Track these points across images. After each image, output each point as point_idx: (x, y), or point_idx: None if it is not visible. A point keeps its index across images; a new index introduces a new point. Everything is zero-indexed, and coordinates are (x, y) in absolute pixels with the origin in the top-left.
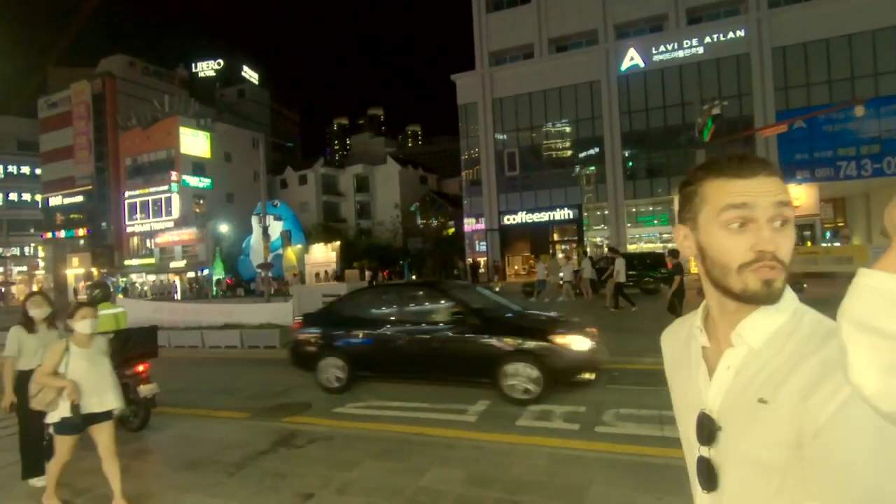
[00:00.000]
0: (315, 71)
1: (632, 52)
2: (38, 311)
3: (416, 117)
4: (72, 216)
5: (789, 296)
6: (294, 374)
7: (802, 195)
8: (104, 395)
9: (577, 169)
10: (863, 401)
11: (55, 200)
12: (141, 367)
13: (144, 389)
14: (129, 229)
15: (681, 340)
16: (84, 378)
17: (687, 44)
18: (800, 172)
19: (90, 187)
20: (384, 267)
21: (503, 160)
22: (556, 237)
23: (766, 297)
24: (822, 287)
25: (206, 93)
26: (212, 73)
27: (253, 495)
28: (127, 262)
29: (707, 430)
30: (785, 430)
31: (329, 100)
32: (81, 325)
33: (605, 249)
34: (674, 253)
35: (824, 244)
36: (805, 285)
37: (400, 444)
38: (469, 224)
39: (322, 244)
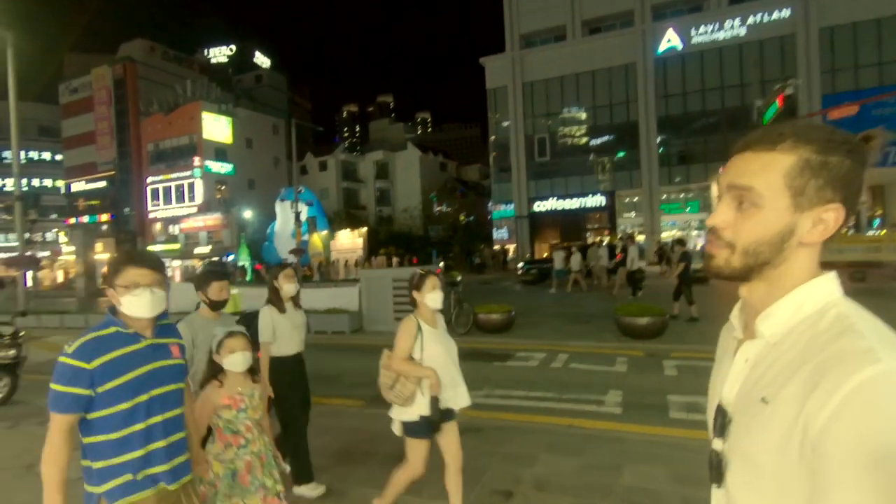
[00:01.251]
0: (325, 58)
1: (670, 33)
2: (291, 287)
3: (426, 105)
4: (91, 202)
5: (823, 287)
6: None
7: None
8: (458, 388)
9: (608, 156)
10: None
11: (77, 186)
12: (259, 354)
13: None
14: (151, 215)
15: (732, 331)
16: (441, 366)
17: (729, 24)
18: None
19: (112, 173)
20: (411, 254)
21: (533, 145)
22: (588, 225)
23: (706, 269)
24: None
25: (220, 78)
26: (224, 60)
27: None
28: (150, 248)
29: (720, 422)
30: (780, 434)
31: (338, 87)
32: (431, 297)
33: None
34: (681, 241)
35: (871, 232)
36: (865, 274)
37: (560, 436)
38: (499, 210)
39: (348, 230)
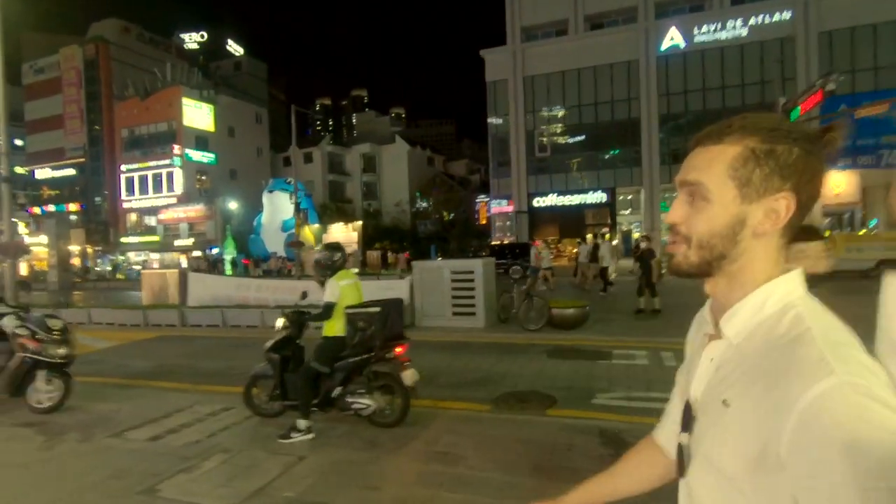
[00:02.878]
0: (300, 49)
1: (673, 31)
2: None
3: (400, 100)
4: (52, 192)
5: (784, 287)
6: (473, 358)
7: (843, 182)
8: None
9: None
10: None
11: (42, 173)
12: (399, 349)
13: (408, 376)
14: (125, 205)
15: (702, 326)
16: None
17: (731, 24)
18: (841, 160)
19: (82, 159)
20: (405, 249)
21: (533, 140)
22: (588, 220)
23: (669, 268)
24: None
25: (196, 65)
26: (195, 46)
27: None
28: (124, 240)
29: (687, 417)
30: (739, 438)
31: (312, 79)
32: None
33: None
34: (646, 237)
35: (866, 231)
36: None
37: None
38: (497, 206)
39: (342, 224)
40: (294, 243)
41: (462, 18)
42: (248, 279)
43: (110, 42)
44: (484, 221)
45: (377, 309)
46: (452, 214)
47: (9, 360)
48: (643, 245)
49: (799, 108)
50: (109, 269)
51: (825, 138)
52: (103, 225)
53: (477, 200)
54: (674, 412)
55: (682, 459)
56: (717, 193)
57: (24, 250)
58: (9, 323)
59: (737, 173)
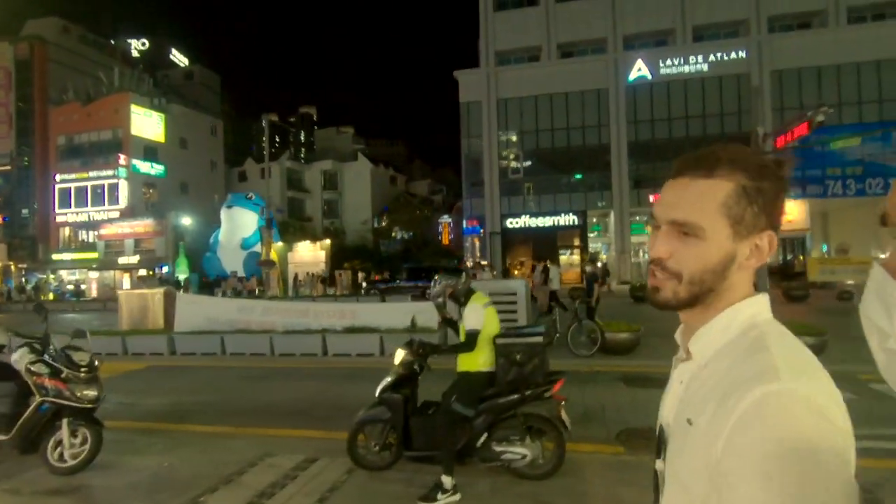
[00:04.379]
0: (243, 62)
1: (640, 63)
2: None
3: (348, 119)
4: None
5: (749, 309)
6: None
7: (794, 210)
8: None
9: (582, 175)
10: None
11: None
12: (557, 385)
13: (567, 417)
14: (59, 218)
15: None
16: None
17: (692, 59)
18: (792, 189)
19: (8, 167)
20: (372, 269)
21: (507, 162)
22: (559, 242)
23: (652, 301)
24: None
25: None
26: (136, 55)
27: None
28: (56, 257)
29: (659, 442)
30: (700, 455)
31: (257, 94)
32: None
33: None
34: (592, 260)
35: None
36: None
37: None
38: (468, 226)
39: (308, 242)
40: (265, 262)
41: (414, 41)
42: (252, 301)
43: (48, 41)
44: (446, 242)
45: (539, 339)
46: (411, 234)
47: (17, 406)
48: (588, 269)
49: (772, 139)
50: (29, 287)
51: (784, 172)
52: (30, 240)
53: (440, 221)
54: None
55: (657, 486)
56: (711, 231)
57: None
58: (21, 358)
59: (731, 211)
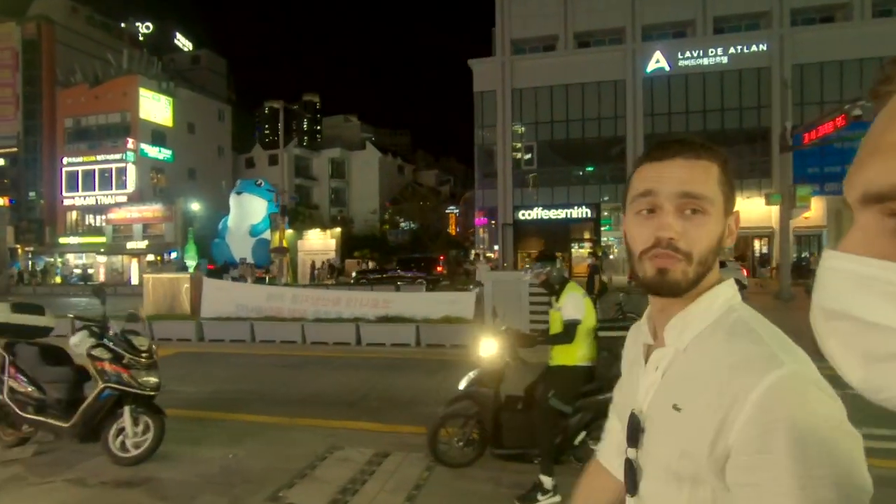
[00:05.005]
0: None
1: (658, 55)
2: None
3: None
4: None
5: (724, 294)
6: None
7: (812, 207)
8: None
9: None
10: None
11: None
12: None
13: None
14: (66, 202)
15: (638, 338)
16: None
17: (712, 52)
18: (812, 185)
19: (15, 149)
20: (387, 259)
21: (520, 153)
22: (573, 235)
23: (660, 286)
24: None
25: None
26: (140, 38)
27: None
28: (62, 240)
29: (633, 430)
30: (696, 441)
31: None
32: None
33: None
34: (592, 254)
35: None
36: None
37: None
38: (479, 217)
39: (318, 230)
40: (278, 249)
41: (420, 29)
42: (283, 288)
43: (56, 22)
44: (454, 232)
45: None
46: (420, 225)
47: (73, 392)
48: (590, 261)
49: (802, 135)
50: (30, 272)
51: None
52: (37, 223)
53: (447, 211)
54: (614, 430)
55: (633, 476)
56: (715, 207)
57: None
58: (81, 341)
59: (723, 188)
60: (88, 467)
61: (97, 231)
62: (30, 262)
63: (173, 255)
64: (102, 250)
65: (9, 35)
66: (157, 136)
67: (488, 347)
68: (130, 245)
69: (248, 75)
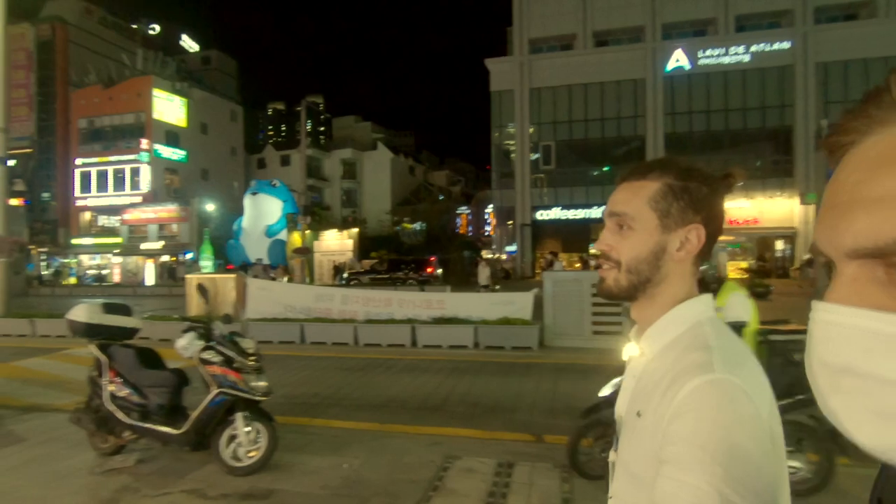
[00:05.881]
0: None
1: (678, 53)
2: None
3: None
4: None
5: (695, 308)
6: None
7: None
8: None
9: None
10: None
11: None
12: None
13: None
14: (80, 202)
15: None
16: None
17: (734, 50)
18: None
19: (29, 150)
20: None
21: (538, 153)
22: (593, 235)
23: (600, 292)
24: None
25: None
26: (151, 40)
27: None
28: (76, 241)
29: (615, 435)
30: (648, 444)
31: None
32: None
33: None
34: (594, 255)
35: None
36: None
37: None
38: (496, 217)
39: (335, 230)
40: (301, 250)
41: (428, 29)
42: (332, 289)
43: (69, 23)
44: (464, 232)
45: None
46: (433, 225)
47: (176, 397)
48: (592, 263)
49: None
50: (47, 272)
51: (726, 180)
52: (51, 224)
53: (459, 212)
54: None
55: (608, 478)
56: (640, 222)
57: (21, 248)
58: (190, 344)
59: (657, 205)
60: (200, 477)
61: (111, 232)
62: (42, 263)
63: (189, 255)
64: (117, 251)
65: (23, 36)
66: (171, 136)
67: (628, 351)
68: (145, 246)
69: (250, 76)
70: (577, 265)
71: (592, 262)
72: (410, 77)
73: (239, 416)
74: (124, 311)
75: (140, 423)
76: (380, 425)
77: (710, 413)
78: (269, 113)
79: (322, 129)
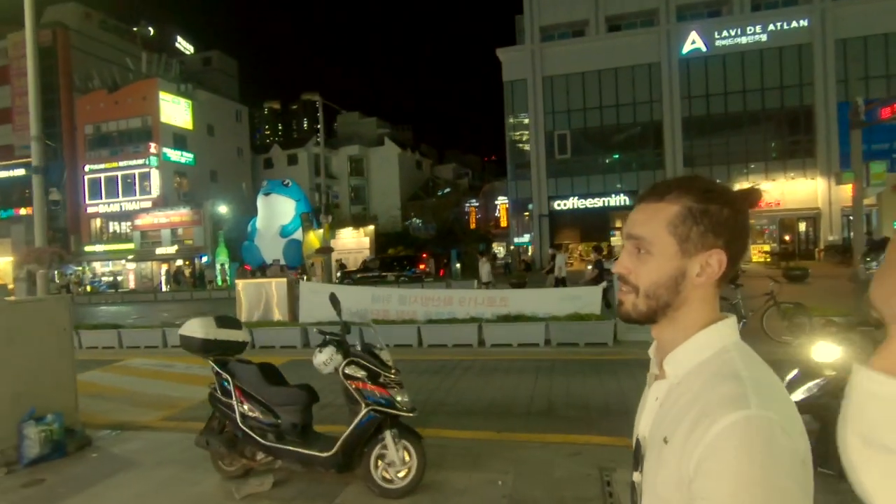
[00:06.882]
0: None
1: (694, 35)
2: None
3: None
4: None
5: (720, 332)
6: None
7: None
8: None
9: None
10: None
11: None
12: None
13: None
14: (90, 209)
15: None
16: None
17: (750, 30)
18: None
19: None
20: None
21: (553, 142)
22: (613, 224)
23: (619, 314)
24: None
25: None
26: (151, 42)
27: None
28: (88, 248)
29: (637, 455)
30: (674, 472)
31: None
32: None
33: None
34: (597, 248)
35: None
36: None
37: None
38: (512, 209)
39: (351, 228)
40: (323, 249)
41: (420, 24)
42: (388, 289)
43: (70, 28)
44: (473, 226)
45: None
46: (445, 218)
47: (307, 415)
48: (594, 256)
49: (878, 109)
50: (58, 282)
51: (749, 198)
52: (62, 232)
53: (467, 205)
54: None
55: (634, 499)
56: (659, 247)
57: (60, 258)
58: (331, 358)
59: (676, 230)
60: (351, 500)
61: (122, 238)
62: (54, 272)
63: (204, 259)
64: (131, 257)
65: (24, 43)
66: (179, 139)
67: (829, 353)
68: (160, 251)
69: (243, 75)
70: (591, 256)
71: (593, 256)
72: (406, 69)
73: (388, 435)
74: (235, 324)
75: (279, 445)
76: (496, 434)
77: (749, 453)
78: (265, 112)
79: (319, 126)
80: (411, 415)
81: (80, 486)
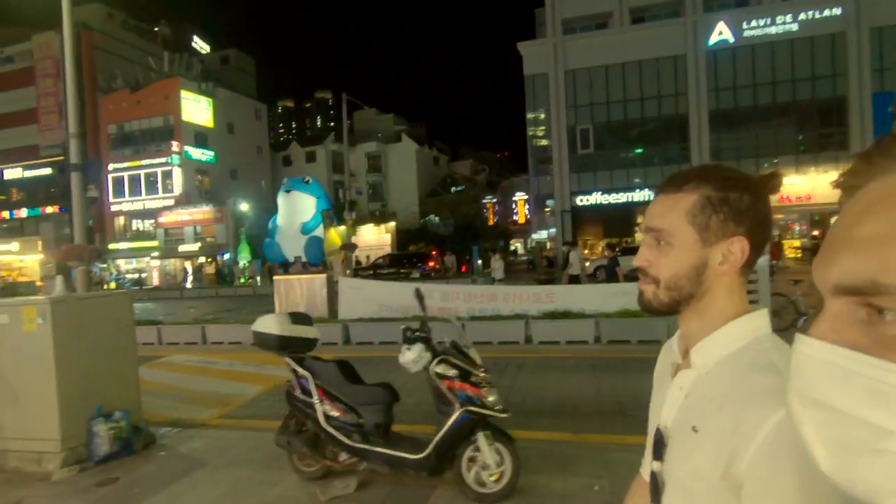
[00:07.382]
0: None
1: (721, 26)
2: None
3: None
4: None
5: (752, 323)
6: None
7: None
8: None
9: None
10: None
11: (12, 173)
12: None
13: None
14: (114, 207)
15: (668, 355)
16: None
17: (780, 20)
18: None
19: (61, 157)
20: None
21: (576, 137)
22: (636, 220)
23: (640, 304)
24: None
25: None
26: (172, 41)
27: None
28: (113, 246)
29: (658, 445)
30: (707, 462)
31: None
32: None
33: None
34: (611, 246)
35: None
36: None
37: None
38: (535, 205)
39: (372, 225)
40: (348, 245)
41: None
42: (430, 285)
43: (93, 29)
44: (491, 222)
45: None
46: (464, 215)
47: (388, 414)
48: (606, 252)
49: None
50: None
51: (770, 184)
52: (88, 230)
53: (485, 201)
54: (649, 443)
55: (656, 487)
56: (679, 238)
57: (99, 255)
58: (420, 356)
59: (696, 220)
60: None
61: (145, 235)
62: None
63: (226, 256)
64: (155, 254)
65: (48, 44)
66: (200, 137)
67: None
68: (183, 248)
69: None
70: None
71: (607, 253)
72: (419, 67)
73: (481, 436)
74: (307, 320)
75: (367, 447)
76: (573, 435)
77: (799, 455)
78: (279, 110)
79: (332, 123)
80: (504, 415)
81: (155, 486)
